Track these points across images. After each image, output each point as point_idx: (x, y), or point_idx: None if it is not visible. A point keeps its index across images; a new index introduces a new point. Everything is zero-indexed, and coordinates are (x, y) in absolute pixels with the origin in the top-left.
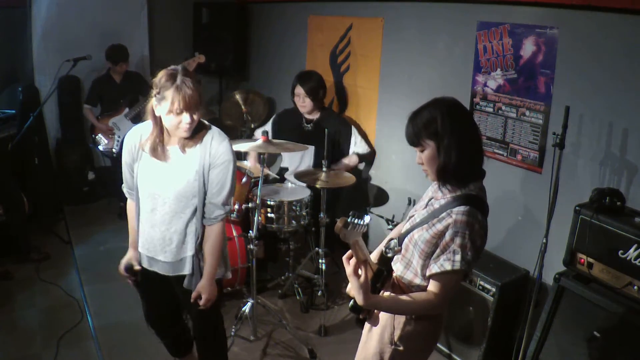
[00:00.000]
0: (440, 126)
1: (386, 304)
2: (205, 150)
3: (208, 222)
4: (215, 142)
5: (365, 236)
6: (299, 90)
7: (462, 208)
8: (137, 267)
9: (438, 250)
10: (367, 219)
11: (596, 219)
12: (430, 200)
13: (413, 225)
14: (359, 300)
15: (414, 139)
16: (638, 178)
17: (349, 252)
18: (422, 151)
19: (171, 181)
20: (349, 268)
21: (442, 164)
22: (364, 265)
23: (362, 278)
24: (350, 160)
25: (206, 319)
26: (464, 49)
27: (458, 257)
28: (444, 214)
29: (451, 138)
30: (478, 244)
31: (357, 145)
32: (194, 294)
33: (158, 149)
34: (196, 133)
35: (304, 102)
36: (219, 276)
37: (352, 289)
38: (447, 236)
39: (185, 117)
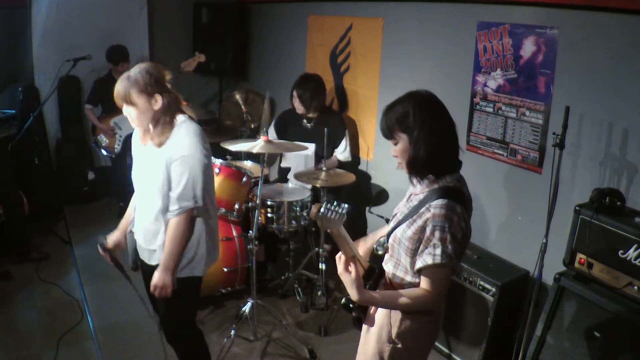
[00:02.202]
0: (411, 119)
1: (380, 299)
2: (170, 144)
3: (168, 215)
4: (178, 137)
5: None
6: (294, 93)
7: (439, 201)
8: (108, 245)
9: (422, 246)
10: (344, 207)
11: (596, 219)
12: (410, 196)
13: (396, 224)
14: (353, 296)
15: (387, 132)
16: (638, 178)
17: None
18: (395, 144)
19: (148, 174)
20: (340, 266)
21: (411, 156)
22: (353, 261)
23: (353, 274)
24: (332, 162)
25: (171, 314)
26: (464, 49)
27: (438, 251)
28: (423, 209)
29: (421, 131)
30: (459, 237)
31: (343, 152)
32: (151, 283)
33: (144, 135)
34: (166, 129)
35: (298, 105)
36: (184, 274)
37: (345, 285)
38: (428, 230)
39: (124, 109)
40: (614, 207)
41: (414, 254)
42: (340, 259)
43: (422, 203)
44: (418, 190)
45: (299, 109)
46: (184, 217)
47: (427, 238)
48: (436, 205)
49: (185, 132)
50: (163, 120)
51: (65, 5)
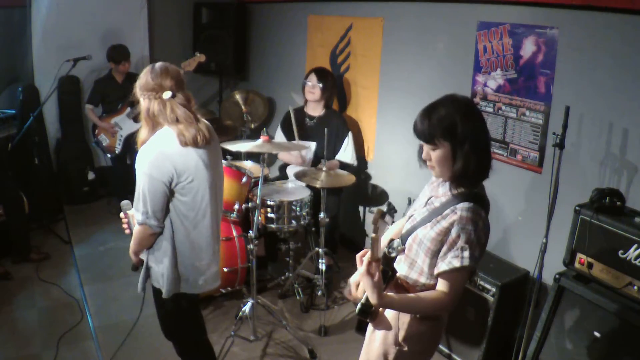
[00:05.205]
0: (460, 130)
1: (399, 303)
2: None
3: None
4: (144, 147)
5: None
6: (312, 78)
7: (466, 205)
8: None
9: (445, 248)
10: (394, 212)
11: (596, 219)
12: (429, 199)
13: (414, 225)
14: (373, 300)
15: (428, 136)
16: (638, 178)
17: (364, 250)
18: (433, 149)
19: None
20: (362, 267)
21: (461, 169)
22: (377, 264)
23: (377, 277)
24: (332, 164)
25: (162, 323)
26: (464, 49)
27: (466, 254)
28: (447, 211)
29: (471, 144)
30: (483, 241)
31: (344, 153)
32: None
33: None
34: (145, 134)
35: (313, 90)
36: (156, 285)
37: (365, 288)
38: (453, 233)
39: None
40: (614, 207)
41: (434, 255)
42: (361, 258)
43: (445, 206)
44: (440, 193)
45: (312, 95)
46: (141, 229)
47: (452, 240)
48: (463, 208)
49: (146, 144)
50: (145, 123)
51: (65, 5)
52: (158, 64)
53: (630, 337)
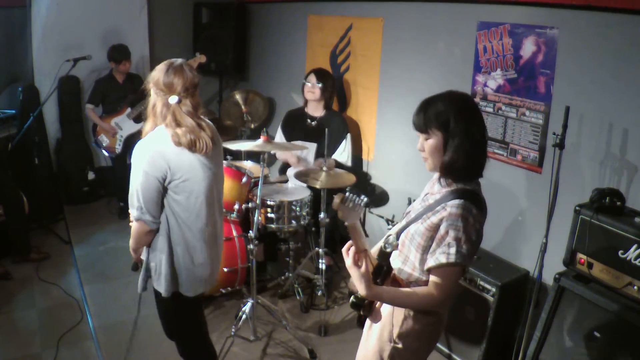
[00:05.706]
0: (453, 124)
1: (388, 295)
2: None
3: None
4: (140, 142)
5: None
6: (312, 78)
7: (456, 201)
8: None
9: (434, 244)
10: (363, 199)
11: (596, 219)
12: (425, 195)
13: (409, 221)
14: (361, 290)
15: (422, 126)
16: (638, 178)
17: (348, 243)
18: (426, 139)
19: None
20: (348, 259)
21: (450, 161)
22: (364, 255)
23: (363, 268)
24: (329, 164)
25: (163, 322)
26: (464, 49)
27: (453, 250)
28: (438, 208)
29: (463, 138)
30: (473, 238)
31: (341, 154)
32: None
33: None
34: (146, 129)
35: (313, 89)
36: (155, 286)
37: (354, 279)
38: (442, 229)
39: None
40: (614, 207)
41: (424, 250)
42: (347, 251)
43: (438, 202)
44: (435, 190)
45: (312, 95)
46: (138, 225)
47: (441, 236)
48: (453, 205)
49: (143, 142)
50: (149, 117)
51: (65, 5)
52: (177, 63)
53: (630, 337)
